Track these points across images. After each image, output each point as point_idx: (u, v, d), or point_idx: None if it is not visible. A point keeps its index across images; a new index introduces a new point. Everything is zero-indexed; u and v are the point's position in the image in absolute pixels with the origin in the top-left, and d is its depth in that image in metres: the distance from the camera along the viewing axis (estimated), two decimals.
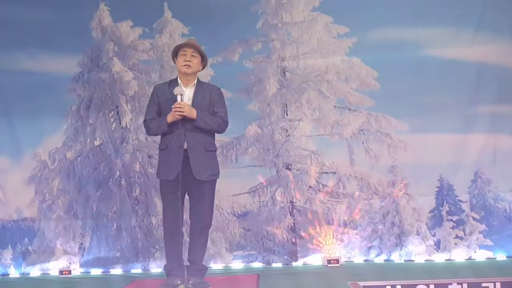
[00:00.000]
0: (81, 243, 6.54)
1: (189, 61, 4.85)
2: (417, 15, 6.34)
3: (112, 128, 6.65)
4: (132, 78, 6.55)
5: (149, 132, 5.01)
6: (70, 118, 6.66)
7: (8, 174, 6.69)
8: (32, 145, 6.65)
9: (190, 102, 4.83)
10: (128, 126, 6.58)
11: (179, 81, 4.90)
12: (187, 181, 4.73)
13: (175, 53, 4.96)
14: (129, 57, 6.64)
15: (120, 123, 6.63)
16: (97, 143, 6.65)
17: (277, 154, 6.52)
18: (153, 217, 6.46)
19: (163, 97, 4.88)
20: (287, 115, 6.58)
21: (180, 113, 4.70)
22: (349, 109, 6.56)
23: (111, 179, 6.56)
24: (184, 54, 4.88)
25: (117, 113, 6.65)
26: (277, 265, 6.42)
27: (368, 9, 6.38)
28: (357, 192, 6.49)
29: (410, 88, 6.38)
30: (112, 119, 6.67)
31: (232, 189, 6.50)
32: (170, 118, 4.75)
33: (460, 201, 6.47)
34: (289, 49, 6.54)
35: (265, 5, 6.55)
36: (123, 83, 6.55)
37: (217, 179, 5.09)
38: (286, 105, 6.57)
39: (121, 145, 6.59)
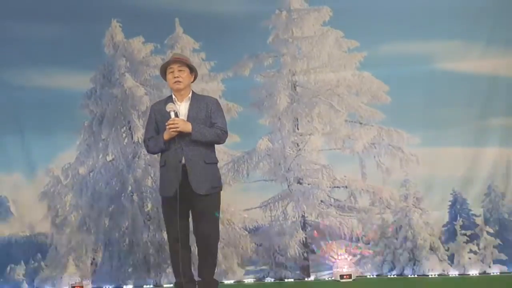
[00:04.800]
0: (93, 258, 6.55)
1: (178, 76, 4.84)
2: (428, 28, 6.33)
3: (124, 143, 6.68)
4: (144, 94, 6.58)
5: (149, 151, 5.00)
6: (83, 133, 6.70)
7: (21, 189, 6.73)
8: (45, 161, 6.70)
9: (185, 117, 4.80)
10: (140, 141, 6.59)
11: (173, 97, 4.90)
12: (188, 196, 4.70)
13: (164, 72, 4.96)
14: (141, 72, 6.69)
15: (132, 138, 6.67)
16: (109, 158, 6.69)
17: (288, 169, 6.51)
18: (165, 232, 6.42)
19: (159, 115, 4.87)
20: (298, 129, 6.58)
21: (175, 129, 4.68)
22: (360, 123, 6.55)
23: (123, 194, 6.58)
24: (171, 72, 4.87)
25: (129, 129, 6.69)
26: (289, 280, 6.37)
27: (378, 23, 6.37)
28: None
29: (422, 101, 6.37)
30: (124, 134, 6.71)
31: (243, 204, 6.50)
32: (166, 135, 4.74)
33: (474, 215, 6.41)
34: (299, 64, 6.56)
35: (275, 20, 6.58)
36: (135, 98, 6.59)
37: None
38: (297, 119, 6.58)
39: (133, 160, 6.62)
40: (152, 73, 6.70)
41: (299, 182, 6.50)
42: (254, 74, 6.61)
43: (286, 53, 6.57)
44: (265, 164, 6.54)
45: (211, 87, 6.50)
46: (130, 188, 6.59)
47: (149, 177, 6.65)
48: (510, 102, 6.35)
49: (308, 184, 6.49)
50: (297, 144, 6.54)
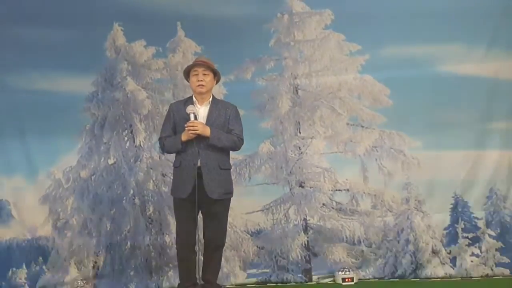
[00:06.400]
0: (95, 262, 6.53)
1: (202, 80, 4.88)
2: (429, 31, 6.34)
3: (126, 147, 6.67)
4: (146, 97, 6.57)
5: (164, 149, 5.04)
6: (84, 137, 6.69)
7: (22, 193, 6.70)
8: (46, 164, 6.67)
9: (204, 120, 4.84)
10: (142, 145, 6.61)
11: (194, 99, 4.93)
12: (200, 199, 4.73)
13: (187, 73, 4.99)
14: (142, 76, 6.69)
15: (134, 141, 6.66)
16: (111, 161, 6.67)
17: (290, 172, 6.51)
18: (167, 236, 6.45)
19: (178, 115, 4.91)
20: (300, 132, 6.59)
21: (194, 131, 4.71)
22: (362, 126, 6.56)
23: (125, 198, 6.57)
24: (196, 74, 4.91)
25: (131, 132, 6.68)
26: (291, 283, 6.37)
27: (380, 26, 6.39)
28: None
29: (423, 104, 6.38)
30: (126, 138, 6.70)
31: (245, 207, 6.48)
32: (184, 137, 4.77)
33: (476, 218, 6.42)
34: (301, 67, 6.57)
35: (277, 24, 6.59)
36: (136, 102, 6.58)
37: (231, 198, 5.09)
38: (299, 122, 6.58)
39: (135, 164, 6.61)
40: (154, 76, 6.70)
41: (301, 186, 6.51)
42: (256, 78, 6.61)
43: (288, 57, 6.58)
44: (267, 168, 6.54)
45: (213, 91, 6.47)
46: (131, 192, 6.58)
47: (151, 181, 6.64)
48: (511, 105, 6.36)
49: (310, 187, 6.49)
50: (299, 148, 6.55)
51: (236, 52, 6.52)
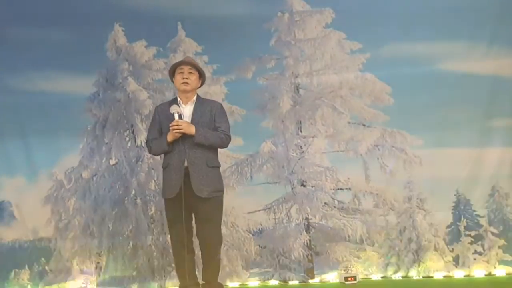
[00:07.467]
0: (98, 262, 6.54)
1: (187, 78, 4.82)
2: (430, 30, 6.36)
3: (128, 147, 6.68)
4: (147, 97, 6.57)
5: (151, 151, 4.97)
6: (86, 137, 6.70)
7: (24, 194, 6.73)
8: (48, 165, 6.70)
9: (189, 119, 4.79)
10: (143, 145, 6.59)
11: (178, 99, 4.89)
12: (191, 199, 4.67)
13: (172, 72, 4.95)
14: (143, 76, 6.70)
15: (135, 142, 6.66)
16: (112, 162, 6.68)
17: (292, 171, 6.50)
18: (169, 236, 6.43)
19: (163, 116, 4.86)
20: (301, 131, 6.58)
21: (178, 130, 4.67)
22: (364, 125, 6.55)
23: (126, 198, 6.57)
24: (181, 72, 4.85)
25: (132, 132, 6.69)
26: (294, 282, 6.36)
27: (381, 24, 6.39)
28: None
29: (425, 103, 6.38)
30: (127, 138, 6.72)
31: (247, 207, 6.49)
32: (170, 137, 4.72)
33: (478, 215, 6.42)
34: (302, 66, 6.56)
35: (278, 23, 6.59)
36: (138, 102, 6.58)
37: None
38: (300, 122, 6.57)
39: (136, 164, 6.61)
40: (155, 76, 6.72)
41: (302, 185, 6.49)
42: (257, 77, 6.62)
43: (288, 56, 6.58)
44: (269, 167, 6.53)
45: (214, 90, 6.50)
46: (133, 192, 6.58)
47: (153, 181, 6.64)
48: None
49: (312, 187, 6.48)
50: (301, 147, 6.53)
51: (237, 51, 6.53)
